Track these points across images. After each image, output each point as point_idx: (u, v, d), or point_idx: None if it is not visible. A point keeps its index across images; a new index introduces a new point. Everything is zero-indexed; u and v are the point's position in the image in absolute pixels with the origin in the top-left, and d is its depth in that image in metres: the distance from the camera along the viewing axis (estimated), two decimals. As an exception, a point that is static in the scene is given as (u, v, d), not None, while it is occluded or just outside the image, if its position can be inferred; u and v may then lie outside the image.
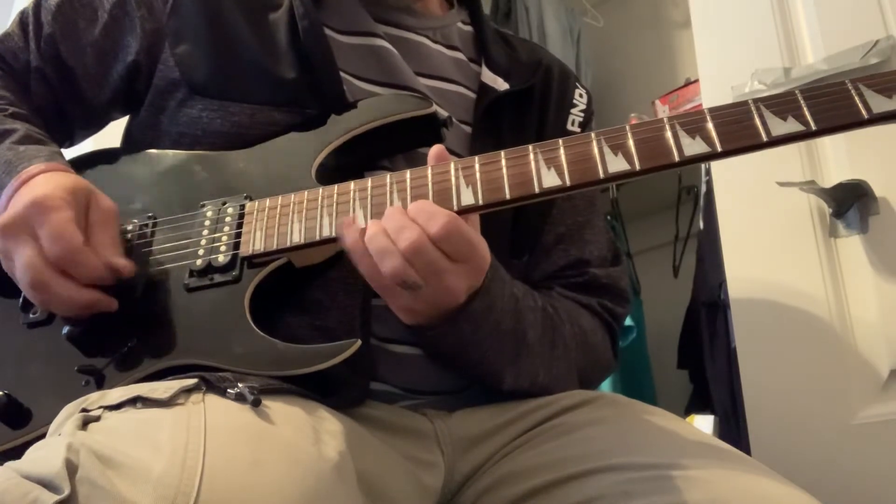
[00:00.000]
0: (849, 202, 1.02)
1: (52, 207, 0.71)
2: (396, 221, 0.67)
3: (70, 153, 0.91)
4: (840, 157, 1.05)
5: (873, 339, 0.98)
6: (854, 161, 1.03)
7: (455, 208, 0.70)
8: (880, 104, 0.63)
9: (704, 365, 1.55)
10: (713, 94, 1.19)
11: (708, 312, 1.52)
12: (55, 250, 0.70)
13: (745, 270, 1.11)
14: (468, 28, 1.01)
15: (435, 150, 0.74)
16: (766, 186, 1.06)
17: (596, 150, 0.69)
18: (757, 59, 1.14)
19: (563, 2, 2.40)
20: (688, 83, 2.00)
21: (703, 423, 1.37)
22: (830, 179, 1.05)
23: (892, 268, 0.98)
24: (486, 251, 0.71)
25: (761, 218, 1.10)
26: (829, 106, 0.65)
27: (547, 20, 2.30)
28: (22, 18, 0.92)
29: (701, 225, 1.60)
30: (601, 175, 0.68)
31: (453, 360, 0.78)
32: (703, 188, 1.62)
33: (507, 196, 0.69)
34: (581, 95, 1.00)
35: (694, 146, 0.66)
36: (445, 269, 0.67)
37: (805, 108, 0.65)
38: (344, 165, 0.81)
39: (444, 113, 0.85)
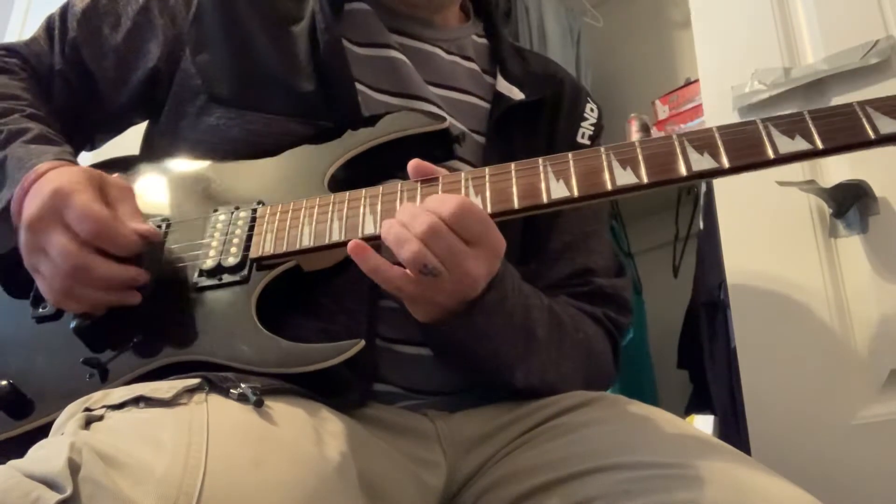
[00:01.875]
0: (849, 202, 1.02)
1: (74, 191, 0.72)
2: (409, 211, 0.68)
3: (89, 158, 0.92)
4: (840, 157, 1.05)
5: (873, 339, 0.98)
6: (854, 161, 1.03)
7: None
8: (887, 125, 0.64)
9: (704, 365, 1.55)
10: (713, 94, 1.19)
11: (708, 312, 1.52)
12: (87, 228, 0.71)
13: (744, 270, 1.11)
14: (483, 40, 1.02)
15: (413, 164, 0.74)
16: (766, 187, 1.07)
17: (605, 164, 0.70)
18: (757, 59, 1.14)
19: (563, 2, 2.40)
20: (688, 83, 2.00)
21: (703, 423, 1.37)
22: (830, 179, 1.05)
23: (892, 268, 0.98)
24: (500, 235, 0.70)
25: (761, 218, 1.10)
26: (836, 126, 0.66)
27: (547, 20, 2.30)
28: (48, 23, 0.95)
29: (701, 225, 1.60)
30: (609, 188, 0.69)
31: (466, 356, 0.77)
32: (703, 188, 1.62)
33: (516, 206, 0.70)
34: (592, 110, 1.02)
35: (702, 162, 0.67)
36: (464, 252, 0.67)
37: (812, 128, 0.66)
38: (356, 178, 0.82)
39: (458, 128, 0.86)
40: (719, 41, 1.23)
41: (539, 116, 0.95)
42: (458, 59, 0.97)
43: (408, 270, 0.68)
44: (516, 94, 0.93)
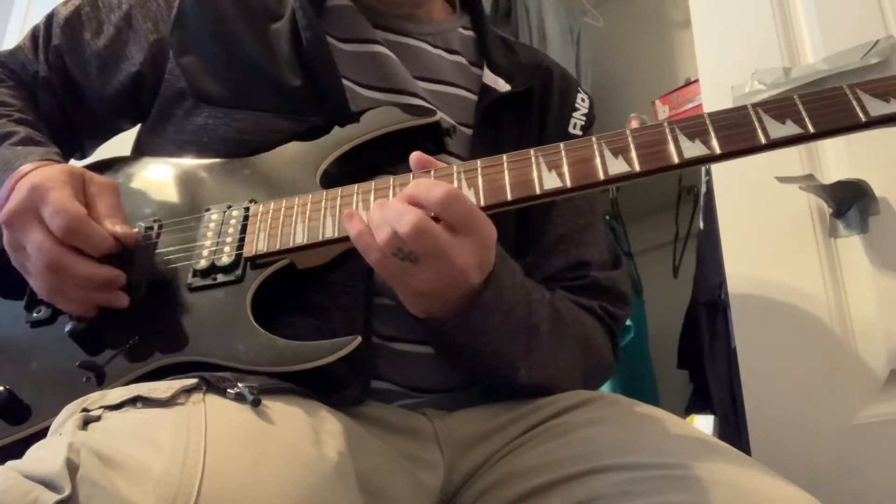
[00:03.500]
0: (848, 202, 1.02)
1: (51, 187, 0.72)
2: (395, 209, 0.67)
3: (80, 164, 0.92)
4: (840, 157, 1.05)
5: (873, 339, 0.98)
6: (854, 161, 1.03)
7: None
8: (878, 108, 0.64)
9: (704, 365, 1.55)
10: (713, 94, 1.19)
11: (708, 312, 1.52)
12: (59, 222, 0.71)
13: (745, 270, 1.11)
14: (469, 33, 1.02)
15: (415, 156, 0.74)
16: (766, 186, 1.06)
17: (596, 153, 0.70)
18: (757, 59, 1.14)
19: (563, 2, 2.40)
20: (688, 83, 2.00)
21: (703, 423, 1.37)
22: (830, 177, 1.05)
23: (892, 268, 0.98)
24: (491, 225, 0.70)
25: (761, 218, 1.10)
26: (827, 110, 0.65)
27: (547, 20, 2.30)
28: (34, 32, 0.96)
29: (701, 225, 1.60)
30: (601, 177, 0.69)
31: (467, 355, 0.77)
32: (703, 188, 1.62)
33: (509, 197, 0.70)
34: (583, 100, 1.01)
35: (693, 149, 0.67)
36: (450, 244, 0.66)
37: (803, 112, 0.66)
38: (348, 173, 0.82)
39: (448, 121, 0.86)
40: (719, 41, 1.23)
41: (528, 108, 0.95)
42: (443, 52, 0.97)
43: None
44: (502, 86, 0.93)
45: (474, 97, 0.94)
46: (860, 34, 1.06)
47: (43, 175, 0.74)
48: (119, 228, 0.74)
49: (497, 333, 0.75)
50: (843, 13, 1.10)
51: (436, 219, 0.67)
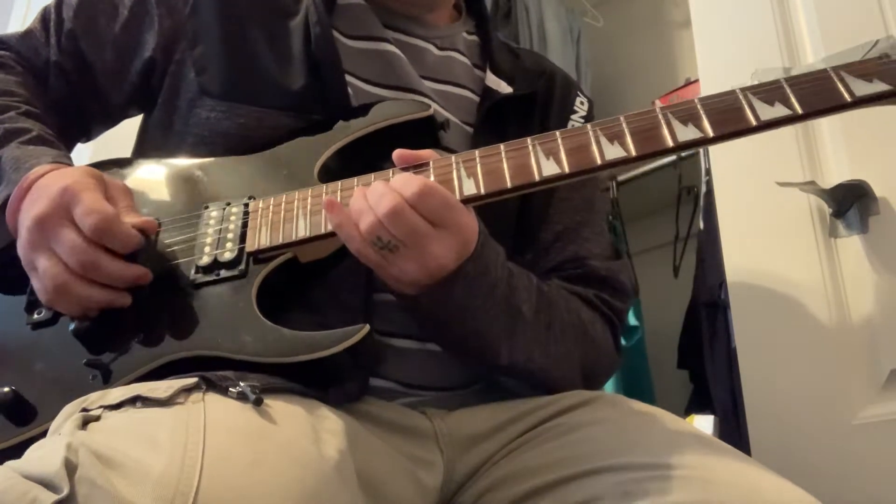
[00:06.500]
0: (849, 202, 1.02)
1: (82, 189, 0.73)
2: (378, 190, 0.69)
3: (86, 156, 0.92)
4: (840, 157, 1.05)
5: (873, 339, 0.98)
6: (854, 161, 1.03)
7: (458, 199, 0.70)
8: (862, 88, 0.67)
9: (704, 365, 1.55)
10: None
11: (708, 312, 1.52)
12: (92, 221, 0.71)
13: (745, 270, 1.11)
14: (473, 37, 1.03)
15: (397, 153, 0.75)
16: (766, 186, 1.06)
17: (592, 139, 0.71)
18: (757, 59, 1.14)
19: (563, 2, 2.40)
20: (688, 83, 2.00)
21: (703, 423, 1.37)
22: (830, 179, 1.05)
23: (892, 268, 0.98)
24: (472, 220, 0.71)
25: (761, 218, 1.10)
26: (813, 91, 0.68)
27: (547, 20, 2.30)
28: (44, 15, 0.95)
29: (701, 225, 1.60)
30: (598, 162, 0.70)
31: (448, 332, 0.77)
32: (703, 188, 1.62)
33: (508, 185, 0.71)
34: (582, 103, 1.02)
35: (687, 132, 0.69)
36: (427, 233, 0.68)
37: (791, 94, 0.68)
38: (346, 169, 0.82)
39: (442, 115, 0.87)
40: (719, 41, 1.23)
41: (529, 111, 0.96)
42: (450, 52, 0.98)
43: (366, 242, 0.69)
44: (504, 89, 0.94)
45: (477, 98, 0.95)
46: (860, 34, 1.06)
47: (70, 177, 0.74)
48: (143, 219, 0.76)
49: (479, 310, 0.75)
50: (843, 13, 1.10)
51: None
